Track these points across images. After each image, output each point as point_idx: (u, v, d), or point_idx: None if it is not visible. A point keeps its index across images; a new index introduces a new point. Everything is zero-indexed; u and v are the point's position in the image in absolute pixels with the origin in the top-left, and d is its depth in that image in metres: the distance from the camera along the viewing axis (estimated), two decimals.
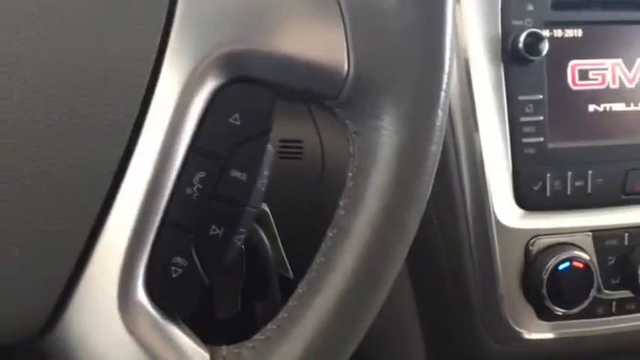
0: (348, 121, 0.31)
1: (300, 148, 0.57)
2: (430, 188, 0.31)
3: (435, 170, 0.31)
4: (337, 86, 0.30)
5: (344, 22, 0.29)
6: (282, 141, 0.57)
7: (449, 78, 0.30)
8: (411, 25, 0.29)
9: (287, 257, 0.50)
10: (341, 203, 0.31)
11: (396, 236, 0.30)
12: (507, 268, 0.52)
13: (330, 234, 0.31)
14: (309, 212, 0.57)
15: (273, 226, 0.45)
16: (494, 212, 0.52)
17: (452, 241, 0.54)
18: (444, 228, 0.54)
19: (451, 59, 0.30)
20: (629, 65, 0.54)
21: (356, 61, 0.29)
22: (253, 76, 0.29)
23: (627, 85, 0.54)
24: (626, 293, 0.54)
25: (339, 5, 0.29)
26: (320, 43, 0.29)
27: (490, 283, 0.52)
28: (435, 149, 0.31)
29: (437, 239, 0.55)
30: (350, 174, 0.31)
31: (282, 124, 0.57)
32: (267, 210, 0.45)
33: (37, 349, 0.29)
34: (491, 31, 0.51)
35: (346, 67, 0.29)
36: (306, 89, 0.30)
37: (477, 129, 0.51)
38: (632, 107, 0.54)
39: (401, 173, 0.30)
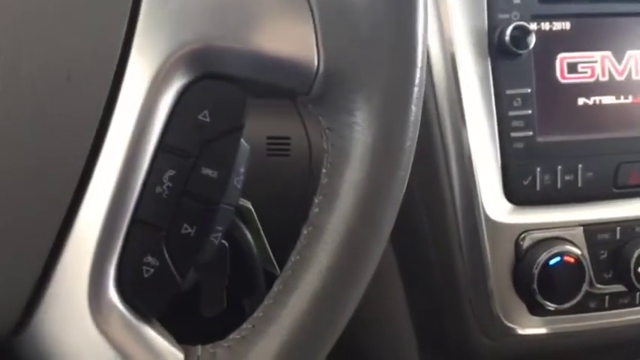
0: (320, 117, 0.31)
1: (288, 145, 0.57)
2: (405, 184, 0.31)
3: (410, 166, 0.31)
4: (308, 82, 0.29)
5: (313, 16, 0.29)
6: (269, 138, 0.57)
7: (422, 72, 0.30)
8: (382, 18, 0.29)
9: (278, 254, 0.50)
10: (315, 200, 0.31)
11: (371, 233, 0.30)
12: (497, 263, 0.52)
13: (305, 232, 0.31)
14: (299, 209, 0.57)
15: (257, 222, 0.45)
16: (483, 207, 0.51)
17: (441, 236, 0.53)
18: (432, 223, 0.54)
19: (424, 53, 0.30)
20: (619, 57, 0.53)
21: (326, 56, 0.29)
22: (222, 73, 0.29)
23: (617, 77, 0.54)
24: (619, 287, 0.54)
25: (308, 0, 0.29)
26: (289, 38, 0.29)
27: (480, 279, 0.52)
28: (410, 145, 0.30)
29: (426, 234, 0.54)
30: (324, 170, 0.31)
31: (269, 121, 0.57)
32: (250, 207, 0.44)
33: (8, 349, 0.29)
34: (478, 25, 0.51)
35: (316, 62, 0.29)
36: (277, 85, 0.30)
37: (464, 124, 0.51)
38: (623, 100, 0.54)
39: (375, 170, 0.29)
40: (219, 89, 0.29)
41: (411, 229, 0.55)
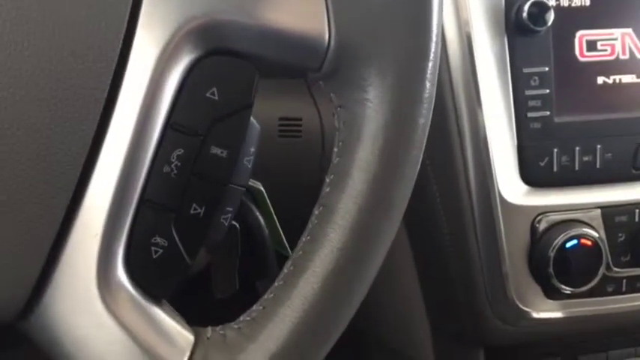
0: (332, 94, 0.30)
1: (300, 126, 0.56)
2: (419, 163, 0.30)
3: (423, 144, 0.30)
4: (319, 57, 0.29)
5: None
6: (281, 119, 0.56)
7: (437, 47, 0.29)
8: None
9: (290, 235, 0.49)
10: (327, 180, 0.30)
11: (383, 214, 0.29)
12: (513, 246, 0.51)
13: (316, 212, 0.30)
14: (311, 190, 0.56)
15: (269, 204, 0.45)
16: (498, 189, 0.50)
17: (455, 218, 0.52)
18: (446, 205, 0.53)
19: (438, 28, 0.29)
20: None
21: (337, 31, 0.28)
22: (231, 48, 0.28)
23: (638, 55, 0.52)
24: (636, 271, 0.53)
25: None
26: (299, 12, 0.28)
27: (495, 262, 0.51)
28: (424, 122, 0.29)
29: (440, 217, 0.53)
30: (335, 149, 0.30)
31: (281, 102, 0.57)
32: (262, 188, 0.44)
33: (20, 329, 0.29)
34: (494, 2, 0.49)
35: (327, 37, 0.28)
36: (287, 61, 0.29)
37: (479, 104, 0.50)
38: None
39: (387, 148, 0.28)
40: (228, 66, 0.28)
41: (425, 212, 0.54)
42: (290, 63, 0.29)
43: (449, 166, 0.51)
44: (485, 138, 0.50)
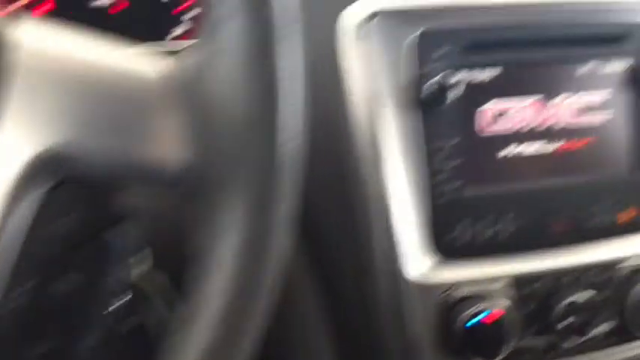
0: (187, 215, 0.30)
1: None
2: (276, 284, 0.30)
3: (282, 264, 0.30)
4: (172, 181, 0.29)
5: (182, 117, 0.28)
6: None
7: (293, 188, 0.29)
8: (245, 127, 0.28)
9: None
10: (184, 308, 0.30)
11: (237, 341, 0.29)
12: (422, 321, 0.51)
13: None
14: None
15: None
16: (405, 265, 0.50)
17: (361, 296, 0.52)
18: (355, 288, 0.52)
19: (296, 171, 0.29)
20: (546, 105, 0.53)
21: (192, 158, 0.28)
22: (81, 176, 0.28)
23: (544, 125, 0.53)
24: (545, 340, 0.53)
25: (178, 100, 0.28)
26: (158, 139, 0.28)
27: (404, 339, 0.51)
28: (281, 243, 0.29)
29: (349, 299, 0.53)
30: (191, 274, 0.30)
31: None
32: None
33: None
34: (398, 79, 0.50)
35: (182, 164, 0.28)
36: (142, 183, 0.29)
37: (386, 179, 0.50)
38: (550, 148, 0.53)
39: (241, 276, 0.28)
40: (81, 193, 0.28)
41: (333, 286, 0.54)
42: (145, 184, 0.29)
43: (353, 243, 0.51)
44: (391, 213, 0.50)
